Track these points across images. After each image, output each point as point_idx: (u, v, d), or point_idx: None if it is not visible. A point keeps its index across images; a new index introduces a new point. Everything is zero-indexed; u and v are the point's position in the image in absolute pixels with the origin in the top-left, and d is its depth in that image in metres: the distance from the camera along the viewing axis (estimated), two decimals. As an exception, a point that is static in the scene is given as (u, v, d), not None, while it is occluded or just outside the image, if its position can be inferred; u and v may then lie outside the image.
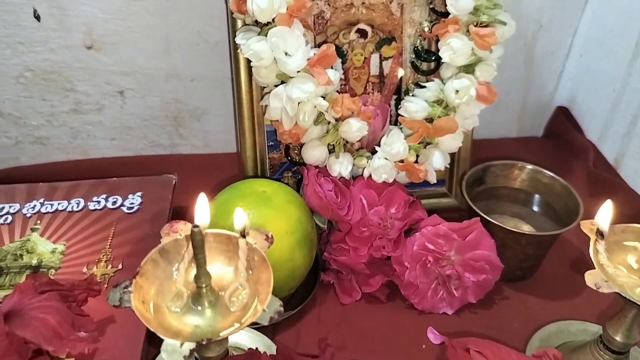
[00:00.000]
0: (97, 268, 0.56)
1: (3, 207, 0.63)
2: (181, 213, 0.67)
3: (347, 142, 0.60)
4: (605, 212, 0.46)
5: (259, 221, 0.52)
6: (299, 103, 0.54)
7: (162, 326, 0.36)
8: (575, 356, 0.50)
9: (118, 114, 0.71)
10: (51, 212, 0.62)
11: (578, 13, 0.73)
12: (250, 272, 0.40)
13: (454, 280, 0.56)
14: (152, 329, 0.35)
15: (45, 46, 0.65)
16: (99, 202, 0.63)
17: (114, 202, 0.63)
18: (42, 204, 0.63)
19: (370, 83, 0.64)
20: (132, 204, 0.63)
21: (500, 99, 0.59)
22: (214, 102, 0.72)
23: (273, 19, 0.53)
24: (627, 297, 0.42)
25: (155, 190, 0.65)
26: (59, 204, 0.63)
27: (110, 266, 0.56)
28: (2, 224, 0.61)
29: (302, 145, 0.61)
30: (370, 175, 0.59)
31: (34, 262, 0.56)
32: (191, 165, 0.75)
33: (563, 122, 0.79)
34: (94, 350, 0.46)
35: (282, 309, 0.37)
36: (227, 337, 0.38)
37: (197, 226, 0.36)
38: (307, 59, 0.53)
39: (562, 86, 0.79)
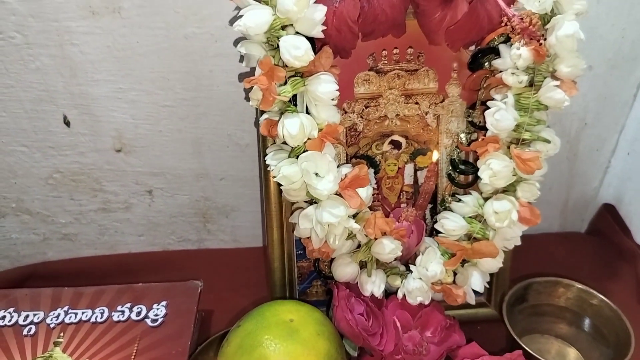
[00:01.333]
0: None
1: (27, 316, 0.61)
2: (207, 319, 0.65)
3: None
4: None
5: (286, 358, 0.49)
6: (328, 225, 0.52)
7: None
8: None
9: (146, 212, 0.70)
10: (75, 323, 0.61)
11: (625, 111, 0.69)
12: None
13: (493, 417, 0.53)
14: None
15: (75, 150, 0.64)
16: (123, 312, 0.62)
17: (138, 313, 0.61)
18: (66, 313, 0.62)
19: (404, 192, 0.61)
20: (156, 315, 0.61)
21: (543, 194, 0.55)
22: (243, 199, 0.71)
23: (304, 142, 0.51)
24: None
25: (181, 300, 0.63)
26: (83, 313, 0.62)
27: None
28: (25, 335, 0.59)
29: (332, 259, 0.58)
30: (404, 296, 0.56)
31: (55, 385, 0.54)
32: (218, 260, 0.74)
33: (608, 220, 0.74)
34: None
35: None
36: None
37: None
38: (339, 182, 0.51)
39: (607, 182, 0.75)
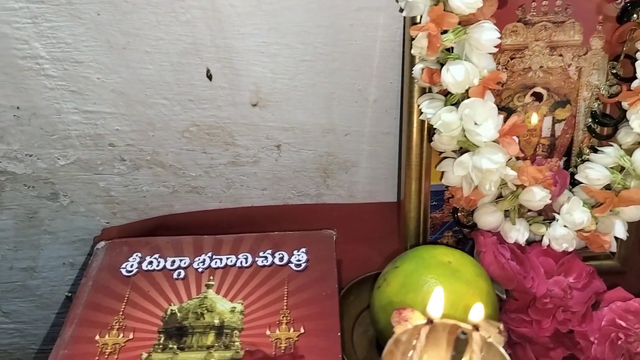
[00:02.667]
0: (279, 331, 0.56)
1: (174, 261, 0.65)
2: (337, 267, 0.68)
3: (521, 207, 0.59)
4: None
5: (452, 296, 0.51)
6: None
7: None
8: None
9: (272, 166, 0.72)
10: (222, 268, 0.64)
11: None
12: (485, 366, 0.40)
13: (642, 358, 0.55)
14: None
15: (213, 103, 0.67)
16: (265, 257, 0.65)
17: (281, 259, 0.64)
18: (211, 258, 0.65)
19: (540, 145, 0.63)
20: (299, 260, 0.64)
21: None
22: (363, 155, 0.73)
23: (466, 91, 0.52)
24: None
25: (318, 247, 0.66)
26: (227, 258, 0.65)
27: (292, 329, 0.56)
28: (176, 278, 0.63)
29: (472, 209, 0.60)
30: (548, 244, 0.58)
31: (216, 321, 0.57)
32: (335, 214, 0.76)
33: None
34: None
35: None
36: None
37: (465, 333, 0.35)
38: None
39: None
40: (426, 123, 0.59)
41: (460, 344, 0.36)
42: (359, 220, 0.75)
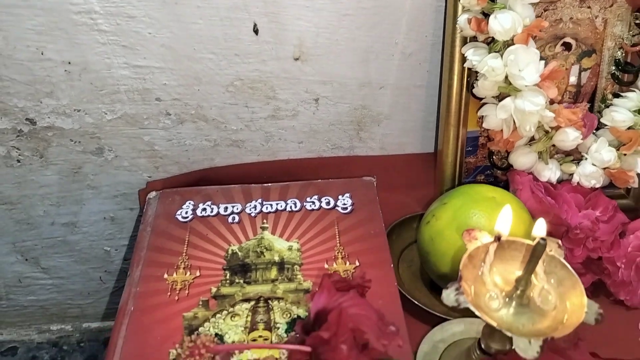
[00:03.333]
0: (336, 265, 0.61)
1: (227, 207, 0.68)
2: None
3: (552, 148, 0.65)
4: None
5: (500, 226, 0.56)
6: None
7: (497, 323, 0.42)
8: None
9: (309, 120, 0.76)
10: (273, 212, 0.68)
11: None
12: (551, 277, 0.45)
13: (663, 279, 0.61)
14: (497, 327, 0.40)
15: (257, 58, 0.70)
16: (313, 202, 0.69)
17: (328, 203, 0.69)
18: (261, 204, 0.69)
19: (567, 92, 0.68)
20: (344, 204, 0.68)
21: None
22: (396, 108, 0.77)
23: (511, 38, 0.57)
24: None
25: (362, 191, 0.70)
26: (277, 204, 0.69)
27: (348, 263, 0.61)
28: (232, 223, 0.66)
29: (507, 151, 0.65)
30: (577, 182, 0.64)
31: (276, 258, 0.62)
32: (368, 166, 0.80)
33: None
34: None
35: (601, 311, 0.42)
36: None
37: (544, 239, 0.40)
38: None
39: None
40: (466, 72, 0.64)
41: (537, 250, 0.41)
42: (392, 170, 0.79)
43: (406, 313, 0.57)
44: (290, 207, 0.68)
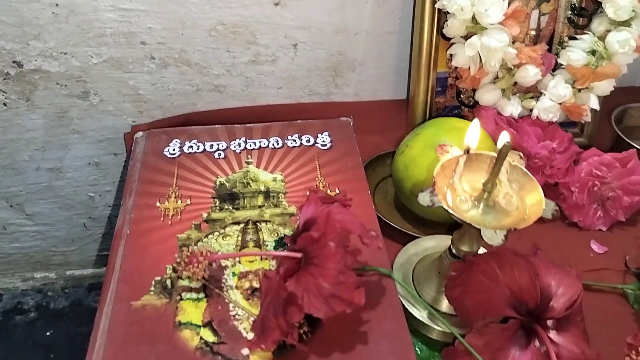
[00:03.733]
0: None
1: (212, 145, 0.72)
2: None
3: (514, 86, 0.70)
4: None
5: (468, 150, 0.62)
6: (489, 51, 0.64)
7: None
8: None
9: (288, 65, 0.80)
10: (256, 149, 0.72)
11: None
12: (512, 183, 0.50)
13: (611, 201, 0.68)
14: (467, 221, 0.46)
15: (239, 2, 0.73)
16: (294, 140, 0.73)
17: (308, 140, 0.73)
18: (245, 142, 0.73)
19: (528, 35, 0.73)
20: (324, 142, 0.73)
21: None
22: (370, 55, 0.81)
23: (477, -21, 0.62)
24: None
25: (340, 130, 0.75)
26: (260, 141, 0.73)
27: (329, 191, 0.66)
28: (218, 158, 0.70)
29: (474, 90, 0.71)
30: (537, 116, 0.70)
31: (262, 188, 0.66)
32: (344, 111, 0.85)
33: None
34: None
35: (557, 208, 0.48)
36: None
37: (508, 142, 0.46)
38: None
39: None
40: (436, 15, 0.69)
41: (502, 152, 0.46)
42: (366, 116, 0.84)
43: (382, 235, 0.62)
44: (273, 144, 0.72)
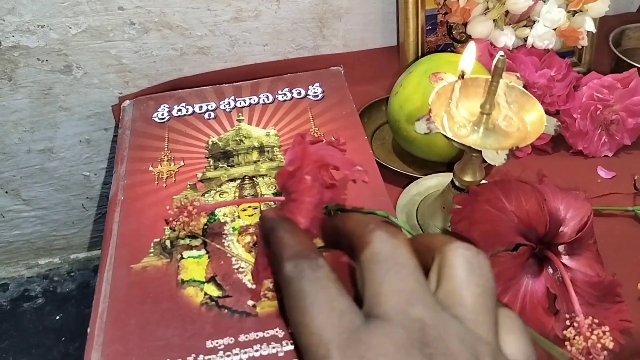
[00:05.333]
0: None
1: (201, 106, 0.70)
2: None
3: (505, 16, 0.68)
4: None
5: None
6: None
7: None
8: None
9: (272, 19, 0.78)
10: (247, 106, 0.70)
11: None
12: (511, 105, 0.48)
13: (615, 125, 0.66)
14: (466, 144, 0.44)
15: (215, -43, 0.71)
16: (285, 94, 0.71)
17: (299, 93, 0.71)
18: (235, 101, 0.71)
19: (516, -37, 0.71)
20: (315, 92, 0.71)
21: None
22: (355, 1, 0.79)
23: None
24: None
25: (331, 79, 0.73)
26: (249, 99, 0.71)
27: (324, 140, 0.64)
28: (207, 119, 0.68)
29: (465, 24, 0.69)
30: (532, 44, 0.68)
31: (256, 144, 0.64)
32: (334, 63, 0.82)
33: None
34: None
35: (559, 123, 0.46)
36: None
37: (503, 55, 0.44)
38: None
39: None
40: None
41: (498, 67, 0.44)
42: (357, 65, 0.82)
43: (383, 181, 0.60)
44: (263, 100, 0.70)
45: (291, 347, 0.44)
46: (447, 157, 0.63)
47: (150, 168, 0.62)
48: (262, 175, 0.60)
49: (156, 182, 0.60)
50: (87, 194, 0.92)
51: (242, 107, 0.69)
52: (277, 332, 0.45)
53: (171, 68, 0.79)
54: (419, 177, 0.62)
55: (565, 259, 0.52)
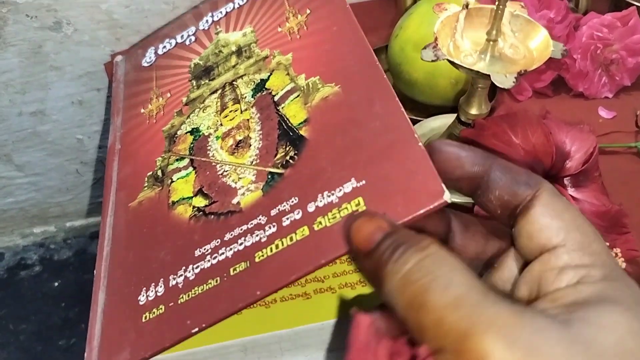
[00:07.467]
0: (288, 24, 0.57)
1: (182, 35, 0.67)
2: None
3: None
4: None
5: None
6: None
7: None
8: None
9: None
10: (223, 17, 0.66)
11: None
12: (516, 33, 0.48)
13: (616, 65, 0.65)
14: (474, 68, 0.44)
15: None
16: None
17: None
18: (212, 17, 0.67)
19: None
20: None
21: None
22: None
23: None
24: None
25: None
26: (225, 8, 0.66)
27: (299, 16, 0.56)
28: (189, 44, 0.65)
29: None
30: (530, -15, 0.67)
31: (234, 48, 0.60)
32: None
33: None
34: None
35: (566, 47, 0.45)
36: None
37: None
38: None
39: None
40: None
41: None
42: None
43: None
44: (238, 3, 0.65)
45: (274, 230, 0.40)
46: (449, 100, 0.63)
47: (142, 110, 0.61)
48: (241, 76, 0.58)
49: (148, 121, 0.60)
50: (80, 158, 0.90)
51: (219, 20, 0.67)
52: (260, 219, 0.42)
53: (163, 23, 0.77)
54: (422, 119, 0.61)
55: (571, 191, 0.52)
